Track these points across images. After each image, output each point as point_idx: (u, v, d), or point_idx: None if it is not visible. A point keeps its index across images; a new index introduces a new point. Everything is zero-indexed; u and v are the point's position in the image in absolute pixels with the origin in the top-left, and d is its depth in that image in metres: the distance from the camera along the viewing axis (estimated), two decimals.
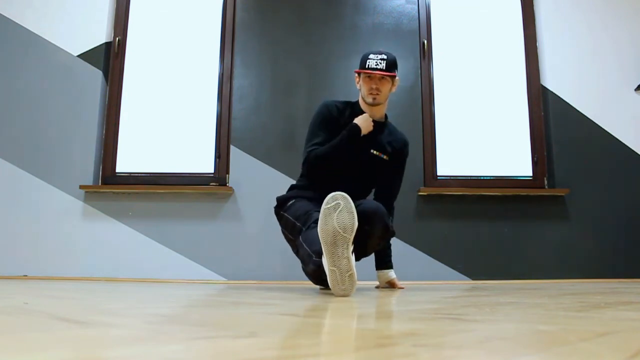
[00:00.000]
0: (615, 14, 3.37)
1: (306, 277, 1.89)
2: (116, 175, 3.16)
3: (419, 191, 3.05)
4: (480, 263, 3.03)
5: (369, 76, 2.02)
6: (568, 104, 3.24)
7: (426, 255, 3.00)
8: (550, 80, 3.27)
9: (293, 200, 2.00)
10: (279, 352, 0.43)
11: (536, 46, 3.36)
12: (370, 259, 2.08)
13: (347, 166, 2.02)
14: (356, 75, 2.10)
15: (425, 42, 3.34)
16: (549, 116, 3.23)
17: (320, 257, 1.58)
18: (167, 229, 3.02)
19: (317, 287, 2.07)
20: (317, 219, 1.60)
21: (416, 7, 3.36)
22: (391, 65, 2.02)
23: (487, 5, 3.47)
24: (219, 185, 3.09)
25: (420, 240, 3.00)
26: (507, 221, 3.08)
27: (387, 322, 0.72)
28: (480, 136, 3.29)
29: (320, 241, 1.50)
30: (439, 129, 3.26)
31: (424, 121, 3.21)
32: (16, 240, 2.99)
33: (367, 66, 2.01)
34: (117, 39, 3.30)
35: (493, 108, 3.32)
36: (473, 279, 3.00)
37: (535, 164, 3.23)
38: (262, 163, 3.09)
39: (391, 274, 2.16)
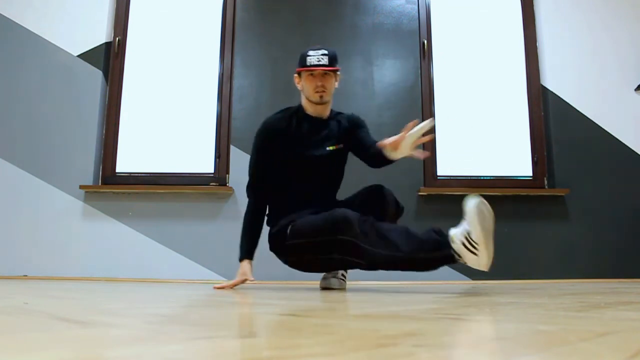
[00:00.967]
0: (615, 14, 3.37)
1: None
2: (116, 175, 3.16)
3: (419, 191, 3.05)
4: None
5: (311, 74, 1.93)
6: (568, 104, 3.24)
7: None
8: (550, 80, 3.27)
9: (290, 225, 1.87)
10: (279, 352, 0.43)
11: (536, 46, 3.36)
12: None
13: (312, 170, 1.96)
14: (296, 75, 2.01)
15: (425, 42, 3.34)
16: (549, 116, 3.23)
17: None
18: (167, 229, 3.02)
19: (318, 287, 2.07)
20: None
21: (416, 7, 3.36)
22: (333, 59, 1.94)
23: (487, 5, 3.47)
24: (219, 185, 3.09)
25: None
26: (507, 221, 3.07)
27: (387, 322, 0.72)
28: (480, 136, 3.29)
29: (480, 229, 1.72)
30: (439, 129, 3.26)
31: (424, 121, 3.20)
32: (16, 240, 2.99)
33: (308, 64, 1.92)
34: (117, 39, 3.30)
35: (493, 108, 3.32)
36: (473, 279, 3.00)
37: (535, 164, 3.23)
38: None
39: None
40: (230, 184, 3.07)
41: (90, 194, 3.06)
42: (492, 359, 0.42)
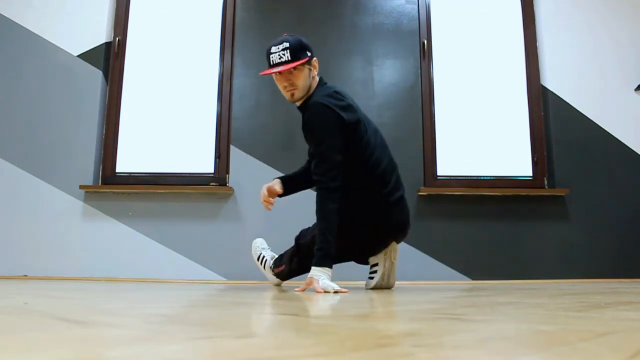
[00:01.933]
0: (615, 14, 3.37)
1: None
2: (116, 175, 3.16)
3: (419, 191, 3.05)
4: (480, 263, 3.03)
5: (279, 73, 1.82)
6: (568, 104, 3.24)
7: (426, 255, 3.00)
8: (550, 80, 3.27)
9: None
10: (279, 352, 0.43)
11: (536, 46, 3.36)
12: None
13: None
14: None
15: (425, 42, 3.34)
16: (549, 116, 3.23)
17: None
18: (167, 229, 3.02)
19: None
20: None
21: (416, 7, 3.36)
22: (296, 50, 1.80)
23: (487, 5, 3.47)
24: (219, 185, 3.09)
25: (420, 240, 2.99)
26: (507, 221, 3.08)
27: (387, 322, 0.72)
28: (480, 136, 3.29)
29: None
30: (439, 129, 3.26)
31: (424, 121, 3.21)
32: (16, 240, 2.99)
33: (271, 63, 1.81)
34: (117, 39, 3.30)
35: (493, 108, 3.32)
36: (473, 279, 3.00)
37: (535, 164, 3.23)
38: (262, 163, 3.09)
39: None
40: (230, 184, 3.07)
41: (90, 194, 3.06)
42: (492, 359, 0.42)
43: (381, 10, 3.34)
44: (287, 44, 1.80)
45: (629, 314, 0.83)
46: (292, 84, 1.85)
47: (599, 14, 3.37)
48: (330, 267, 1.73)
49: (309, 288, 1.73)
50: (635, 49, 3.33)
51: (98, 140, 3.15)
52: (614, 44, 3.33)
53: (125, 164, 3.19)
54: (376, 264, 1.94)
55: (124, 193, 3.07)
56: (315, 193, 1.81)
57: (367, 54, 3.26)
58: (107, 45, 3.28)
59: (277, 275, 2.15)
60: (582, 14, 3.37)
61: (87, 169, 3.08)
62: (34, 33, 3.24)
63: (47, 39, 3.24)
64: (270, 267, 2.19)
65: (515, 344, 0.51)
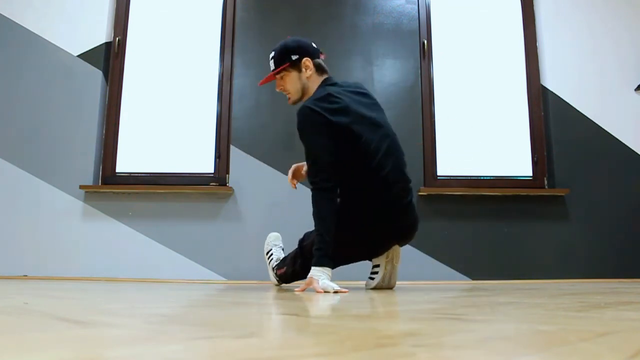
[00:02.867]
0: (616, 14, 3.37)
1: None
2: (116, 175, 3.16)
3: (419, 191, 3.05)
4: (480, 263, 3.03)
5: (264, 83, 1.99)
6: (568, 104, 3.24)
7: (426, 255, 3.00)
8: (550, 80, 3.27)
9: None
10: (279, 352, 0.43)
11: (536, 46, 3.36)
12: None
13: None
14: None
15: (425, 42, 3.34)
16: (549, 116, 3.23)
17: None
18: (167, 229, 3.02)
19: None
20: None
21: (416, 7, 3.36)
22: (280, 57, 1.89)
23: (487, 5, 3.47)
24: (219, 185, 3.09)
25: (420, 240, 2.99)
26: (507, 221, 3.08)
27: (387, 322, 0.72)
28: (480, 136, 3.29)
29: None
30: (439, 129, 3.26)
31: (424, 121, 3.21)
32: (16, 240, 2.99)
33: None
34: (117, 39, 3.30)
35: (493, 108, 3.32)
36: (473, 279, 3.00)
37: (535, 164, 3.23)
38: (262, 163, 3.09)
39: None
40: (230, 184, 3.07)
41: (90, 194, 3.06)
42: (492, 359, 0.42)
43: (381, 10, 3.34)
44: (273, 52, 1.92)
45: (629, 314, 0.83)
46: (284, 90, 1.93)
47: (599, 14, 3.37)
48: (330, 266, 1.73)
49: (308, 288, 1.73)
50: (635, 49, 3.33)
51: (98, 140, 3.15)
52: (614, 44, 3.33)
53: (125, 164, 3.19)
54: (378, 265, 1.94)
55: (124, 193, 3.07)
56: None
57: (367, 54, 3.26)
58: (107, 45, 3.28)
59: (280, 277, 2.15)
60: (582, 14, 3.37)
61: (87, 169, 3.08)
62: (34, 33, 3.25)
63: (47, 39, 3.24)
64: (274, 268, 2.19)
65: (515, 344, 0.51)
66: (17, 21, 3.26)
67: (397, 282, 2.37)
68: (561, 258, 3.05)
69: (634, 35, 3.34)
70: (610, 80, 3.28)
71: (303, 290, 1.72)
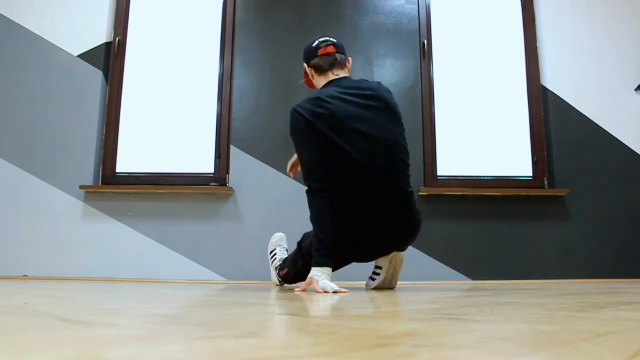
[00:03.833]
0: (616, 14, 3.37)
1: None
2: (116, 175, 3.16)
3: (419, 191, 3.05)
4: (480, 263, 3.03)
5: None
6: (568, 104, 3.24)
7: (426, 255, 3.00)
8: (550, 80, 3.27)
9: None
10: (279, 352, 0.43)
11: (536, 46, 3.36)
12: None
13: None
14: None
15: (425, 42, 3.34)
16: (549, 116, 3.23)
17: None
18: (167, 229, 3.02)
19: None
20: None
21: (416, 7, 3.36)
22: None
23: (487, 5, 3.47)
24: (219, 185, 3.09)
25: (420, 240, 2.99)
26: (507, 221, 3.08)
27: (387, 322, 0.72)
28: (480, 136, 3.29)
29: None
30: (439, 129, 3.26)
31: (424, 121, 3.21)
32: (16, 240, 2.99)
33: None
34: (117, 39, 3.31)
35: (493, 108, 3.32)
36: (473, 279, 3.00)
37: (535, 164, 3.23)
38: (262, 163, 3.09)
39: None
40: (230, 184, 3.07)
41: (90, 194, 3.06)
42: (492, 359, 0.42)
43: (381, 10, 3.34)
44: None
45: (629, 314, 0.84)
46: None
47: (599, 14, 3.37)
48: (330, 266, 1.73)
49: (308, 288, 1.73)
50: (635, 49, 3.33)
51: (98, 140, 3.15)
52: (614, 44, 3.33)
53: (125, 164, 3.19)
54: (380, 267, 1.93)
55: (124, 193, 3.07)
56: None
57: (367, 54, 3.26)
58: (107, 45, 3.28)
59: (282, 277, 2.15)
60: (582, 14, 3.37)
61: (87, 169, 3.08)
62: (34, 33, 3.25)
63: (47, 39, 3.24)
64: (276, 268, 2.20)
65: (515, 344, 0.51)
66: (17, 21, 3.26)
67: (398, 283, 2.36)
68: (561, 258, 3.05)
69: (634, 35, 3.34)
70: (610, 80, 3.28)
71: (303, 290, 1.72)
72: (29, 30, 3.25)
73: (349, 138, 1.80)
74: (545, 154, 3.23)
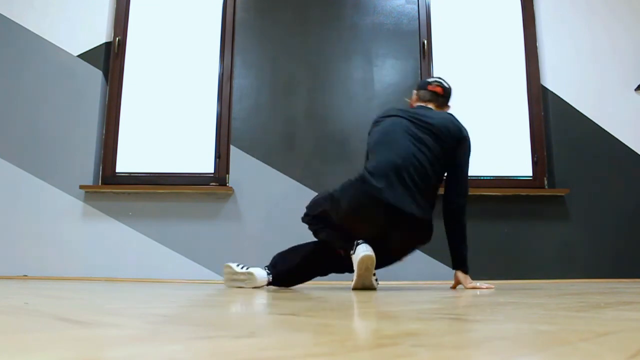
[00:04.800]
0: (616, 14, 3.37)
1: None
2: (116, 175, 3.16)
3: None
4: (481, 263, 3.02)
5: None
6: (568, 104, 3.24)
7: (426, 255, 3.00)
8: (550, 80, 3.27)
9: None
10: (279, 352, 0.43)
11: (536, 46, 3.36)
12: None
13: None
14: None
15: (425, 42, 3.34)
16: (549, 116, 3.23)
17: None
18: (167, 229, 3.02)
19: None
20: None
21: (416, 7, 3.36)
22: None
23: (487, 5, 3.47)
24: (219, 185, 3.09)
25: None
26: (507, 221, 3.08)
27: (387, 322, 0.72)
28: (481, 136, 3.28)
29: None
30: None
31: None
32: (16, 240, 2.99)
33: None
34: (117, 39, 3.30)
35: (493, 108, 3.32)
36: (473, 279, 2.99)
37: (535, 164, 3.23)
38: (262, 163, 3.09)
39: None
40: (230, 184, 3.07)
41: (90, 194, 3.06)
42: (492, 359, 0.42)
43: (381, 10, 3.34)
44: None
45: (629, 314, 0.84)
46: None
47: (599, 15, 3.37)
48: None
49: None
50: (635, 49, 3.33)
51: (98, 140, 3.15)
52: (614, 44, 3.33)
53: (125, 164, 3.19)
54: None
55: (124, 193, 3.07)
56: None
57: (367, 54, 3.26)
58: (107, 45, 3.28)
59: (279, 273, 2.09)
60: (582, 14, 3.37)
61: (87, 169, 3.08)
62: (34, 33, 3.25)
63: (47, 39, 3.24)
64: (266, 267, 2.11)
65: (515, 344, 0.51)
66: (17, 21, 3.26)
67: (397, 282, 2.37)
68: (561, 258, 3.05)
69: (633, 35, 3.34)
70: (610, 80, 3.28)
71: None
72: (29, 30, 3.25)
73: (381, 140, 2.12)
74: (545, 154, 3.23)
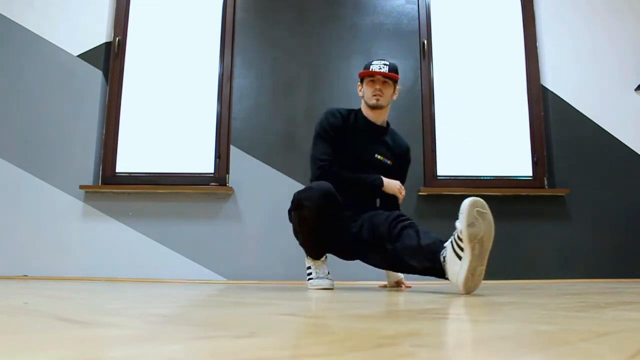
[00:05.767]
0: (615, 14, 3.37)
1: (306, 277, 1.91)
2: (116, 175, 3.16)
3: (419, 191, 3.05)
4: None
5: (372, 79, 2.08)
6: (568, 104, 3.24)
7: None
8: (550, 80, 3.27)
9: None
10: (279, 352, 0.43)
11: (536, 46, 3.36)
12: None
13: (355, 169, 2.05)
14: (359, 82, 2.16)
15: (425, 42, 3.34)
16: (549, 116, 3.23)
17: None
18: (167, 229, 3.02)
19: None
20: None
21: (416, 7, 3.36)
22: (393, 70, 2.09)
23: (487, 5, 3.47)
24: (219, 185, 3.09)
25: None
26: (507, 221, 3.07)
27: (387, 322, 0.72)
28: (480, 136, 3.29)
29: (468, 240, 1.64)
30: (439, 129, 3.26)
31: (424, 121, 3.21)
32: (16, 240, 2.99)
33: (370, 69, 2.08)
34: (117, 39, 3.30)
35: (493, 108, 3.32)
36: None
37: (535, 164, 3.23)
38: (262, 163, 3.09)
39: (399, 274, 2.21)
40: (230, 184, 3.07)
41: (90, 194, 3.06)
42: (492, 359, 0.42)
43: (381, 10, 3.34)
44: (387, 62, 2.09)
45: (629, 314, 0.84)
46: (381, 90, 2.08)
47: (599, 14, 3.37)
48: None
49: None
50: (635, 49, 3.33)
51: (98, 140, 3.15)
52: (613, 44, 3.33)
53: (125, 164, 3.19)
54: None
55: (124, 193, 3.07)
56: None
57: (367, 54, 3.26)
58: (107, 45, 3.28)
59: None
60: (582, 14, 3.37)
61: (87, 169, 3.08)
62: (34, 33, 3.24)
63: (47, 39, 3.24)
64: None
65: (515, 344, 0.51)
66: (17, 21, 3.26)
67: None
68: (561, 258, 3.05)
69: (634, 35, 3.34)
70: (610, 80, 3.28)
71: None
72: (29, 30, 3.25)
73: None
74: (545, 154, 3.23)
